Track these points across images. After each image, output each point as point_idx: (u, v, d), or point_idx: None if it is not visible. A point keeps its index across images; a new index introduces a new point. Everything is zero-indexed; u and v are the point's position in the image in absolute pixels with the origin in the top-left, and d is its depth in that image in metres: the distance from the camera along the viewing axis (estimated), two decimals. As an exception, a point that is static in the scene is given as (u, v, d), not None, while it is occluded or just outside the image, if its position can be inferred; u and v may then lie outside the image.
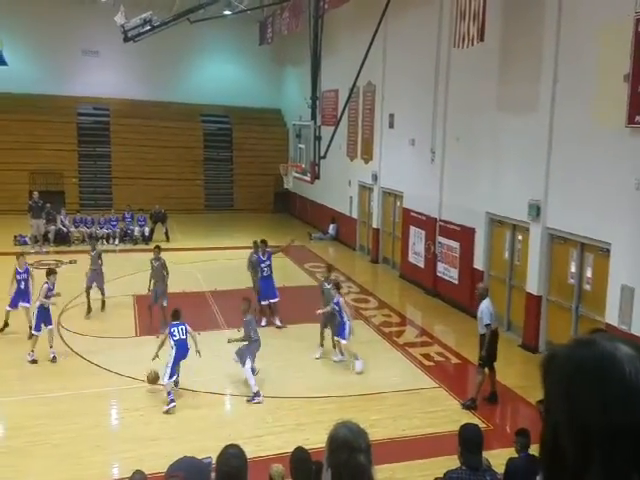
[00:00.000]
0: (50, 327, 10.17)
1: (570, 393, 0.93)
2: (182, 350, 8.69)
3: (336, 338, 10.24)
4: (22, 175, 23.24)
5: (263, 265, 12.11)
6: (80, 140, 24.59)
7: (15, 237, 18.39)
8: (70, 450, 7.26)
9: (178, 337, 8.65)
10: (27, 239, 18.25)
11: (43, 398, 8.60)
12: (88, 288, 12.32)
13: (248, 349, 8.99)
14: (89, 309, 12.32)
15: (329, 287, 10.70)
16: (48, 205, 18.59)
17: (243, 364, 8.89)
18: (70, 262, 16.60)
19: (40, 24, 23.88)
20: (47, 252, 17.66)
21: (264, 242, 12.49)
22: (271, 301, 12.11)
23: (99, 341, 10.94)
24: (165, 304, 11.39)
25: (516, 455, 5.66)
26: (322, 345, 10.60)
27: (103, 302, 12.73)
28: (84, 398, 8.63)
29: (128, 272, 15.29)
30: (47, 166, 23.64)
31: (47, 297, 10.14)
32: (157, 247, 12.44)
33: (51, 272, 10.50)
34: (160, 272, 11.78)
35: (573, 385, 0.92)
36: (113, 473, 6.91)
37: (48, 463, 7.00)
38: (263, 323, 11.89)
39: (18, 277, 11.02)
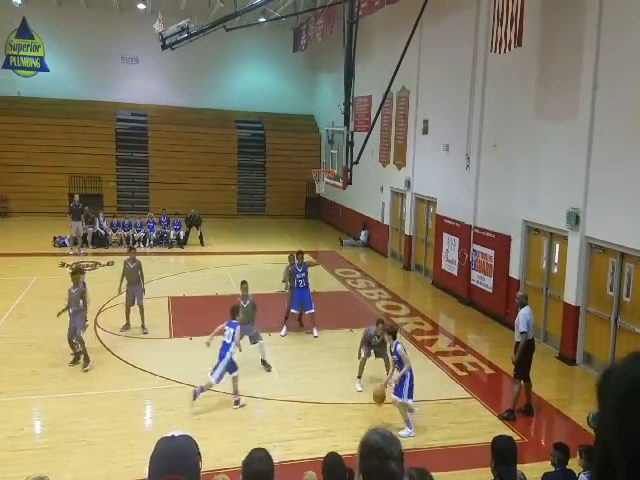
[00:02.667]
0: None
1: (622, 408, 0.89)
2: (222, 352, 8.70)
3: (393, 397, 8.28)
4: (62, 178, 23.94)
5: (298, 276, 11.88)
6: (118, 145, 25.18)
7: (54, 238, 18.93)
8: (105, 448, 7.40)
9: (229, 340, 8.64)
10: (66, 240, 18.77)
11: (79, 396, 8.80)
12: (70, 338, 9.86)
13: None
14: (76, 357, 9.93)
15: (378, 342, 9.38)
16: (87, 208, 19.09)
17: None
18: (108, 264, 17.03)
19: (81, 32, 24.61)
20: (85, 254, 18.11)
21: (301, 253, 12.24)
22: (306, 312, 11.98)
23: (134, 341, 11.15)
24: (142, 304, 11.52)
25: (551, 469, 5.52)
26: (360, 377, 9.55)
27: (82, 353, 9.85)
28: (119, 397, 8.80)
29: (163, 275, 15.56)
30: (86, 170, 24.30)
31: None
32: (132, 249, 12.35)
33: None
34: (136, 274, 11.63)
35: (626, 400, 0.89)
36: (146, 472, 7.01)
37: (84, 460, 7.14)
38: (283, 332, 11.85)
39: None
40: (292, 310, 11.91)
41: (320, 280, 16.37)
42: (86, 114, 24.56)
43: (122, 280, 11.61)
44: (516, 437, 7.49)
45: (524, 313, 8.62)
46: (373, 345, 9.52)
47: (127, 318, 11.66)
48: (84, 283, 10.10)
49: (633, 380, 0.91)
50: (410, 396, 8.11)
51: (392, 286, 16.33)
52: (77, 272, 10.22)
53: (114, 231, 19.66)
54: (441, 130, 15.97)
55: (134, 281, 11.56)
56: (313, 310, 11.91)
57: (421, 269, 17.63)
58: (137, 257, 11.85)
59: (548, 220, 11.60)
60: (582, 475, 4.79)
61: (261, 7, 19.31)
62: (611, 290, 10.15)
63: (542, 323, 11.67)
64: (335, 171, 13.96)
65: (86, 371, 9.69)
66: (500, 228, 13.18)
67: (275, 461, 3.40)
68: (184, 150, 25.38)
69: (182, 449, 1.96)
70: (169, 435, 2.02)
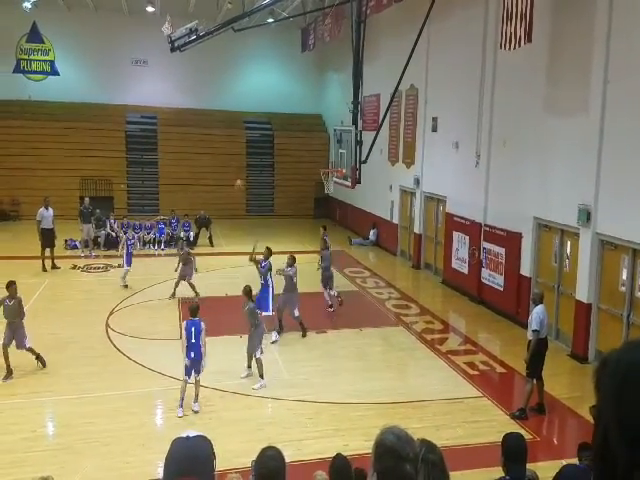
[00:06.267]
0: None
1: (620, 394, 0.93)
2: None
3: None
4: (73, 181, 24.13)
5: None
6: (128, 147, 25.33)
7: (66, 241, 19.06)
8: (117, 449, 7.45)
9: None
10: (77, 243, 18.90)
11: (92, 397, 8.87)
12: (5, 346, 9.44)
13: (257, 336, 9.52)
14: (8, 371, 9.43)
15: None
16: (98, 211, 19.22)
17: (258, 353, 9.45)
18: (119, 266, 17.12)
19: (90, 35, 24.79)
20: (96, 256, 18.23)
21: (268, 249, 11.95)
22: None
23: (145, 342, 11.22)
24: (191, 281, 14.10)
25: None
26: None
27: (39, 358, 9.78)
28: (131, 398, 8.85)
29: (173, 276, 15.61)
30: (97, 172, 24.47)
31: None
32: (182, 240, 15.41)
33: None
34: (185, 257, 14.16)
35: (623, 386, 0.93)
36: (159, 472, 7.03)
37: (96, 461, 7.19)
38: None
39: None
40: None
41: (330, 280, 16.35)
42: (96, 117, 24.73)
43: (179, 263, 14.19)
44: (528, 436, 7.44)
45: (537, 311, 8.56)
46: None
47: (174, 289, 13.95)
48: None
49: (629, 365, 0.93)
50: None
51: (402, 285, 16.28)
52: (13, 284, 9.80)
53: (125, 233, 19.76)
54: (450, 128, 15.90)
55: (185, 262, 14.03)
56: (269, 313, 11.44)
57: (431, 268, 17.57)
58: (184, 246, 14.73)
59: (559, 217, 11.51)
60: None
61: (269, 7, 19.33)
62: (623, 287, 10.06)
63: (553, 321, 11.59)
64: (344, 170, 13.95)
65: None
66: (511, 225, 13.10)
67: (285, 460, 3.41)
68: (193, 151, 25.48)
69: (197, 450, 1.95)
70: (184, 435, 2.01)
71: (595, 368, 1.01)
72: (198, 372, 8.48)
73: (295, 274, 11.70)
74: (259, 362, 9.38)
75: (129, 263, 14.96)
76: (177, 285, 13.99)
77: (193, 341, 8.34)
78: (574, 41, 11.01)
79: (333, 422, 8.30)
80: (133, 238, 15.85)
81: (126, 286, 14.61)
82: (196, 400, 8.46)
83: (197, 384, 8.50)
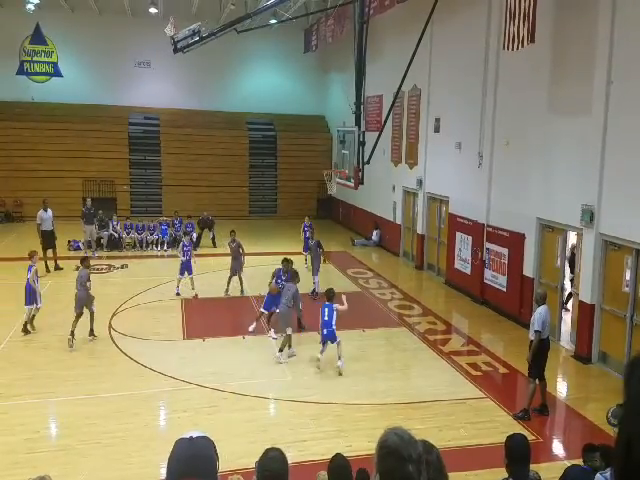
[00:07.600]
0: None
1: None
2: None
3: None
4: (76, 182, 24.19)
5: (280, 282, 11.98)
6: (131, 148, 25.39)
7: (69, 242, 19.10)
8: (120, 450, 7.45)
9: None
10: (80, 244, 18.95)
11: (95, 398, 8.88)
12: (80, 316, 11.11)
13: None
14: (92, 330, 11.40)
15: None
16: (100, 212, 19.25)
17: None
18: (122, 267, 17.18)
19: (93, 37, 24.87)
20: (100, 257, 18.27)
21: (286, 260, 12.25)
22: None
23: (147, 343, 11.23)
24: (241, 275, 14.50)
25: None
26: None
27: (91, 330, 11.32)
28: (133, 399, 8.86)
29: (176, 277, 15.62)
30: (100, 174, 24.54)
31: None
32: (232, 232, 14.73)
33: None
34: (236, 251, 14.21)
35: None
36: (162, 473, 7.04)
37: (99, 462, 7.20)
38: (251, 328, 11.93)
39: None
40: (262, 310, 11.84)
41: (332, 280, 16.35)
42: (99, 118, 24.80)
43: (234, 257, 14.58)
44: (531, 437, 7.42)
45: (540, 312, 8.54)
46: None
47: (228, 285, 14.26)
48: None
49: None
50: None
51: (404, 286, 16.27)
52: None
53: (127, 234, 19.81)
54: (453, 128, 15.89)
55: (235, 256, 14.19)
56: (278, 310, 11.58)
57: (434, 268, 17.55)
58: (235, 238, 14.41)
59: (562, 217, 11.49)
60: (598, 475, 4.71)
61: (272, 9, 19.34)
62: (627, 287, 10.04)
63: (557, 321, 11.56)
64: (346, 171, 13.96)
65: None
66: (514, 226, 13.08)
67: (289, 462, 3.41)
68: (196, 152, 25.53)
69: (201, 451, 1.94)
70: (187, 436, 2.00)
71: (624, 372, 0.97)
72: (333, 341, 9.91)
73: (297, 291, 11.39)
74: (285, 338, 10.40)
75: (182, 272, 14.20)
76: (242, 281, 14.32)
77: (326, 319, 9.84)
78: (577, 41, 10.99)
79: (336, 423, 8.29)
80: (189, 245, 14.41)
81: (196, 296, 14.05)
82: (340, 359, 9.92)
83: (339, 347, 9.93)
